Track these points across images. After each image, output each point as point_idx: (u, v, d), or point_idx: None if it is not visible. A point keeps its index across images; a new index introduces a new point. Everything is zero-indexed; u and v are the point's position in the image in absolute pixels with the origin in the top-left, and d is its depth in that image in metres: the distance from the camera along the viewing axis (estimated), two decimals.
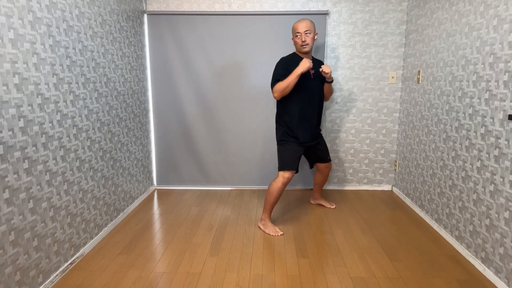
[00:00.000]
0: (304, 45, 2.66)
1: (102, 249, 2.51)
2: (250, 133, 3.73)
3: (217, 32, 3.55)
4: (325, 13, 3.47)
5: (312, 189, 3.83)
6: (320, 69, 2.68)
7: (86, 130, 2.46)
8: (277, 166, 2.77)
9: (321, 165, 3.09)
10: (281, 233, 2.72)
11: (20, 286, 1.83)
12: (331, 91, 2.99)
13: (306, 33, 2.63)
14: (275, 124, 2.88)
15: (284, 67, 2.66)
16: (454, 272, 2.24)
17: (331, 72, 2.77)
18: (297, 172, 2.78)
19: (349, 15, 3.52)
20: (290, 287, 2.07)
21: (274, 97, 2.67)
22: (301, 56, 2.74)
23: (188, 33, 3.55)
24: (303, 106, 2.74)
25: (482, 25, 2.29)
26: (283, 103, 2.76)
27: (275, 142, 3.73)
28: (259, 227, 2.83)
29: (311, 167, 3.14)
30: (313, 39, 2.68)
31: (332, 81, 2.83)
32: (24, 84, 1.85)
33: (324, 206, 3.31)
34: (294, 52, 2.80)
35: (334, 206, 3.28)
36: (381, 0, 3.48)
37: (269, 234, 2.72)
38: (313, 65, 2.77)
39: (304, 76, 2.68)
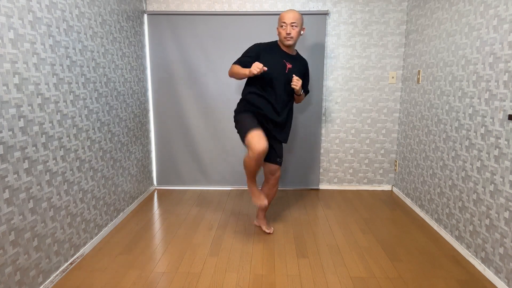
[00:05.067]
0: (288, 37, 2.46)
1: (102, 249, 2.51)
2: None
3: (217, 32, 3.55)
4: (325, 13, 3.48)
5: (312, 189, 3.83)
6: (292, 83, 2.48)
7: (86, 130, 2.46)
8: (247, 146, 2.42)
9: (268, 167, 2.65)
10: (266, 202, 2.45)
11: (20, 286, 1.83)
12: (299, 100, 2.71)
13: (292, 25, 2.44)
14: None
15: (255, 53, 2.49)
16: (454, 272, 2.24)
17: (299, 87, 2.49)
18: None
19: (349, 15, 3.52)
20: (290, 287, 2.07)
21: (228, 73, 2.51)
22: (283, 48, 2.55)
23: (188, 33, 3.55)
24: (269, 94, 2.52)
25: (482, 25, 2.29)
26: (250, 85, 2.57)
27: None
28: (249, 193, 2.55)
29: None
30: (299, 33, 2.49)
31: (299, 95, 2.60)
32: (24, 84, 1.85)
33: (263, 230, 2.80)
34: (276, 41, 2.60)
35: (271, 231, 2.78)
36: (381, 0, 3.48)
37: (255, 203, 2.48)
38: (295, 62, 2.59)
39: (280, 67, 2.50)
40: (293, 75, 2.51)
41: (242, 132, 2.46)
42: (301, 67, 2.62)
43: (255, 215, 3.05)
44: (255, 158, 2.33)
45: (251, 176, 2.51)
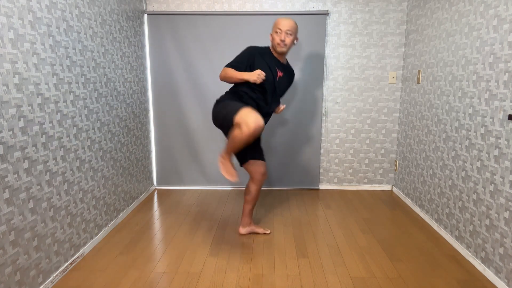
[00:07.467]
0: (282, 44, 2.41)
1: (102, 249, 2.51)
2: None
3: (217, 32, 3.55)
4: (325, 13, 3.48)
5: (312, 189, 3.83)
6: (277, 109, 2.64)
7: (86, 130, 2.46)
8: (233, 128, 2.20)
9: (254, 166, 2.55)
10: (237, 179, 2.26)
11: (20, 286, 1.83)
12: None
13: (287, 33, 2.39)
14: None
15: (247, 58, 2.42)
16: (454, 272, 2.24)
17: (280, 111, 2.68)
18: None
19: (349, 15, 3.52)
20: (290, 287, 2.07)
21: (219, 76, 2.41)
22: (275, 55, 2.50)
23: (188, 33, 3.55)
24: (258, 98, 2.47)
25: (482, 25, 2.29)
26: (240, 86, 2.46)
27: (275, 142, 3.74)
28: (219, 165, 2.32)
29: (241, 164, 2.62)
30: (292, 42, 2.45)
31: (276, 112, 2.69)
32: (24, 84, 1.85)
33: (258, 233, 2.76)
34: (269, 47, 2.54)
35: (269, 232, 2.76)
36: (381, 0, 3.48)
37: (224, 176, 2.31)
38: (285, 71, 2.57)
39: (271, 74, 2.46)
40: (284, 105, 2.68)
41: (232, 113, 2.16)
42: (290, 77, 2.64)
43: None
44: (250, 133, 2.05)
45: (234, 150, 2.26)
